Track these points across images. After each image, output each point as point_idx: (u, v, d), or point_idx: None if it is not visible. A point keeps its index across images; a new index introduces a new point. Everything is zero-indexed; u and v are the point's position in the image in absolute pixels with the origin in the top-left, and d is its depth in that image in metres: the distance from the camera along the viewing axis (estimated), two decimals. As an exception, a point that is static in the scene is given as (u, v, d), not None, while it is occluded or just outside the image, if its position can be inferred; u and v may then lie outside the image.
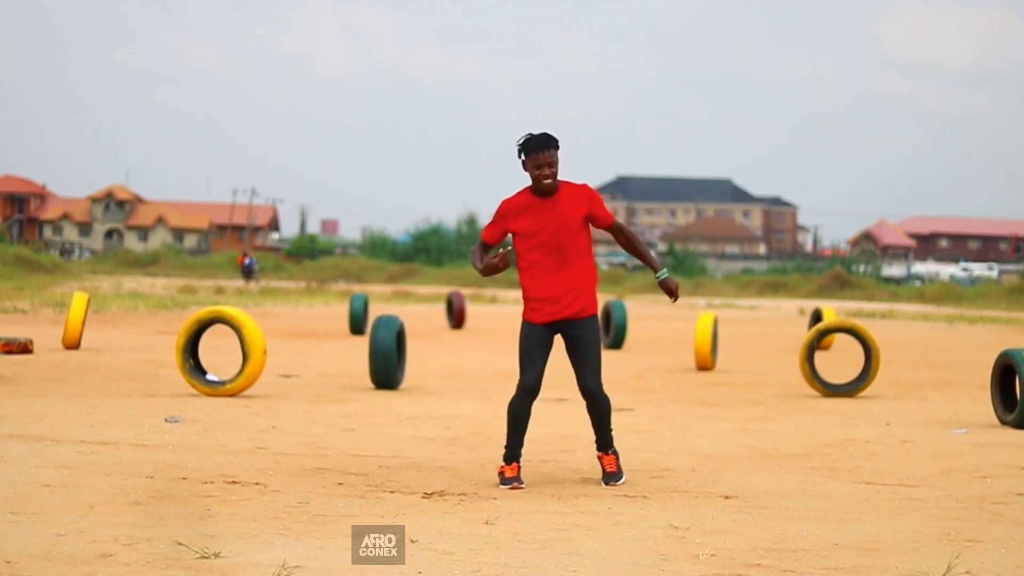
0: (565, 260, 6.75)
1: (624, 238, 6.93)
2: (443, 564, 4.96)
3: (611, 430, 7.06)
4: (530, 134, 6.68)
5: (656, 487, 6.94)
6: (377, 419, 9.88)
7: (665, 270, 6.94)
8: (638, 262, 72.28)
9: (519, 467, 6.89)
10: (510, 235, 6.84)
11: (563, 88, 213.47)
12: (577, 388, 6.99)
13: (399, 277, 60.95)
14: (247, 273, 53.04)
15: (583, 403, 11.10)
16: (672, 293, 6.92)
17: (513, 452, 6.87)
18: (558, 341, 6.97)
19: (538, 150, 6.63)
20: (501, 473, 6.87)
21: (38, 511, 5.75)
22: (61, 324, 18.97)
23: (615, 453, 7.08)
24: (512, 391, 7.12)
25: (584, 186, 6.83)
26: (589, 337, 6.82)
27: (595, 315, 6.88)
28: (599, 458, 7.08)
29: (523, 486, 6.81)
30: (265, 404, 10.55)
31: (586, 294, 6.81)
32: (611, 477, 6.99)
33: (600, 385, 6.91)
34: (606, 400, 6.97)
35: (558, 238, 6.72)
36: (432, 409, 10.65)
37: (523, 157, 6.69)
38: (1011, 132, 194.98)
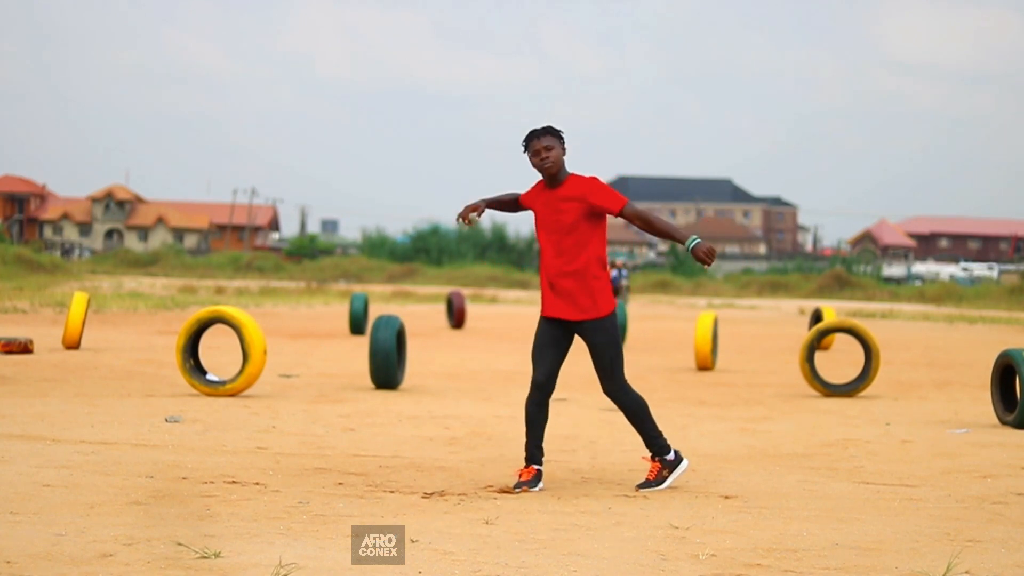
0: (565, 253, 6.59)
1: (641, 222, 6.63)
2: (443, 564, 4.96)
3: (657, 434, 6.87)
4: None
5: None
6: (377, 419, 9.88)
7: (695, 237, 6.57)
8: (638, 262, 72.22)
9: (537, 471, 6.76)
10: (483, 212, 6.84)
11: (563, 88, 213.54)
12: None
13: (399, 277, 60.95)
14: (614, 290, 41.97)
15: (584, 403, 11.10)
16: (702, 260, 6.51)
17: (529, 453, 6.77)
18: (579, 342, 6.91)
19: (536, 137, 6.64)
20: (518, 475, 6.86)
21: (38, 511, 5.75)
22: (61, 324, 18.98)
23: (660, 461, 6.88)
24: (518, 391, 7.06)
25: (590, 178, 6.65)
26: (598, 340, 6.65)
27: (607, 316, 6.65)
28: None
29: (533, 490, 6.69)
30: (265, 404, 10.55)
31: (592, 293, 6.61)
32: (649, 484, 6.83)
33: (618, 386, 6.76)
34: (631, 400, 6.83)
35: (559, 229, 6.60)
36: (432, 409, 10.64)
37: (526, 152, 6.68)
38: (1011, 132, 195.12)
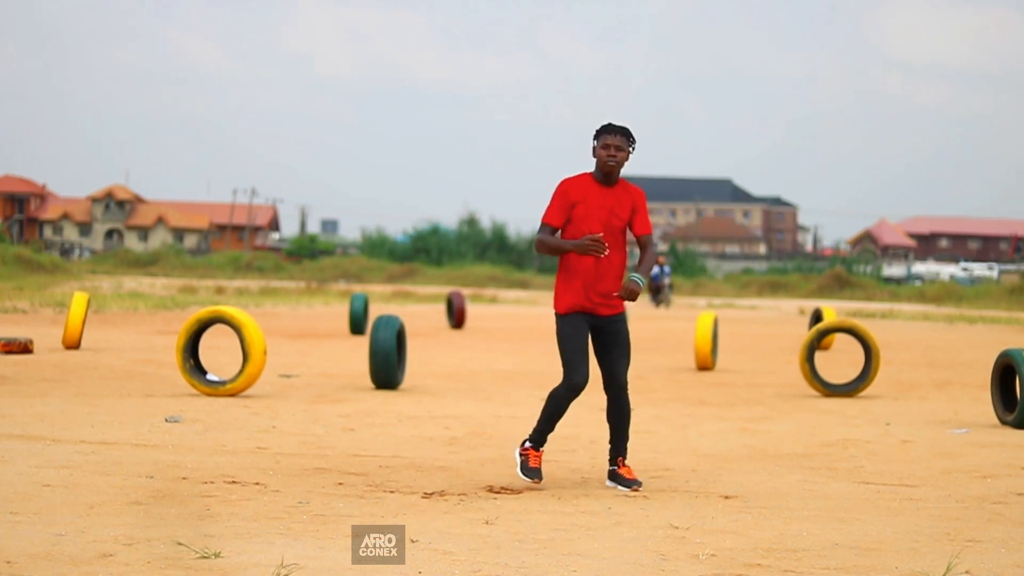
0: (614, 250, 6.74)
1: (644, 255, 6.83)
2: (443, 564, 4.97)
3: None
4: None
5: (656, 487, 6.94)
6: (377, 419, 9.88)
7: (637, 276, 6.68)
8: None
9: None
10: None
11: (563, 88, 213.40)
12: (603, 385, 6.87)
13: (399, 277, 60.93)
14: (656, 288, 38.54)
15: (584, 403, 11.05)
16: (626, 295, 6.66)
17: (544, 438, 6.80)
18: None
19: (611, 132, 6.71)
20: (525, 456, 6.78)
21: (38, 511, 5.76)
22: (61, 324, 18.98)
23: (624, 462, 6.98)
24: (548, 388, 6.92)
25: (640, 190, 6.84)
26: (623, 330, 6.82)
27: (625, 312, 6.90)
28: (617, 470, 6.88)
29: (541, 482, 6.78)
30: (265, 404, 10.55)
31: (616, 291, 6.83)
32: (634, 483, 6.84)
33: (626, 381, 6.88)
34: (628, 400, 6.90)
35: (612, 228, 6.72)
36: (432, 409, 10.65)
37: (595, 141, 6.74)
38: (1011, 132, 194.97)
